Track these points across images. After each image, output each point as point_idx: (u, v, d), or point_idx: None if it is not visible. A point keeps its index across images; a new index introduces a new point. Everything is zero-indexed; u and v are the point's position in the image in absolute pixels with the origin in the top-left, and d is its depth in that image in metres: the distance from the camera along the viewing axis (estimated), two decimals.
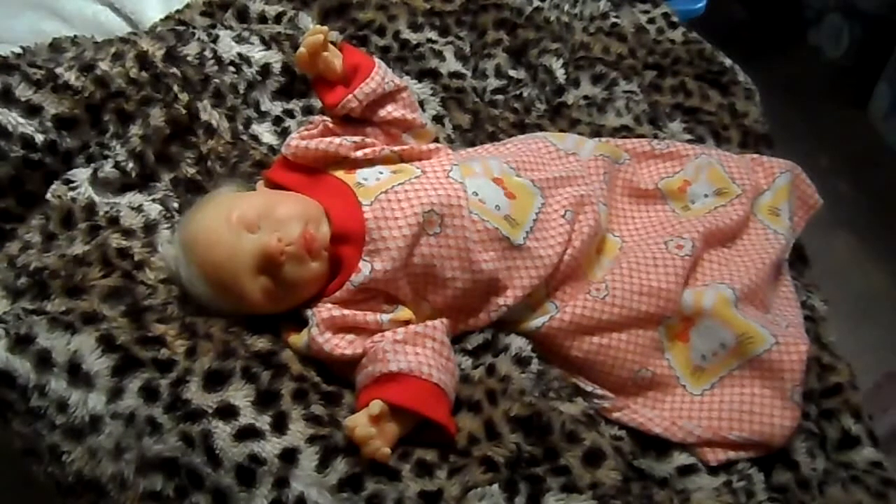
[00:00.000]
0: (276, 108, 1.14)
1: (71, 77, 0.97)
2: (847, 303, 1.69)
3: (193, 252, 0.86)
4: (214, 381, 0.79)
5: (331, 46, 0.97)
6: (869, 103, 2.23)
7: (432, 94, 1.20)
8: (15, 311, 0.83)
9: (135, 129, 0.97)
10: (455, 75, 1.25)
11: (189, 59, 1.07)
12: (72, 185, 0.95)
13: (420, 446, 0.80)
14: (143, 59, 1.02)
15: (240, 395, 0.79)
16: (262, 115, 1.13)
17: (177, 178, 1.00)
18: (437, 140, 1.09)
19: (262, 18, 1.25)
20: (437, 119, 1.17)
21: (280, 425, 0.77)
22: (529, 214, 0.94)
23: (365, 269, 0.87)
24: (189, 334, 0.84)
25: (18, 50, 1.06)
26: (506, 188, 0.95)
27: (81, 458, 0.77)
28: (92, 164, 0.97)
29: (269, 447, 0.76)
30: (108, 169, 0.96)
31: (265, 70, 1.13)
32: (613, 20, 1.40)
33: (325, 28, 0.95)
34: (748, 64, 1.39)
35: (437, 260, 0.89)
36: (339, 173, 0.94)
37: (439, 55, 1.26)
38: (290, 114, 1.14)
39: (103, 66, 0.99)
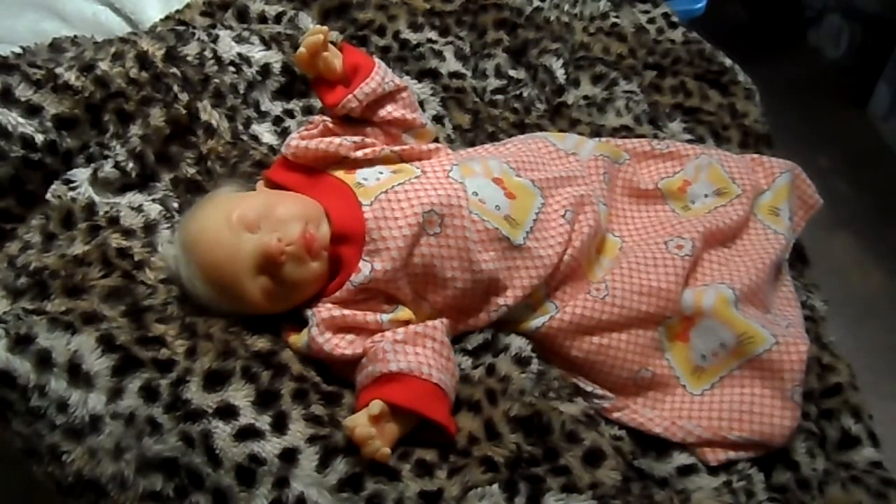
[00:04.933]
0: (276, 108, 1.14)
1: (71, 77, 0.97)
2: (847, 303, 1.69)
3: (193, 252, 0.86)
4: (214, 381, 0.79)
5: (331, 46, 0.97)
6: (869, 103, 2.23)
7: (432, 94, 1.20)
8: (15, 311, 0.83)
9: (135, 129, 0.98)
10: (455, 75, 1.25)
11: (189, 59, 1.07)
12: (72, 185, 0.95)
13: (420, 446, 0.80)
14: (143, 59, 1.02)
15: (240, 395, 0.79)
16: (262, 115, 1.13)
17: (177, 178, 0.99)
18: (437, 140, 1.09)
19: (262, 18, 1.25)
20: (437, 119, 1.17)
21: (280, 425, 0.77)
22: (529, 214, 0.94)
23: (365, 269, 0.87)
24: (189, 334, 0.84)
25: (18, 50, 1.06)
26: (506, 188, 0.95)
27: (81, 458, 0.77)
28: (92, 164, 0.97)
29: (269, 447, 0.76)
30: (108, 169, 0.96)
31: (265, 70, 1.13)
32: (613, 20, 1.40)
33: (325, 28, 0.95)
34: (748, 64, 1.39)
35: (437, 260, 0.89)
36: (339, 173, 0.94)
37: (439, 55, 1.26)
38: (290, 114, 1.14)
39: (103, 66, 0.99)
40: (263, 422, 0.77)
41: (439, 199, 0.89)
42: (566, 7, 1.43)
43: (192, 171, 1.00)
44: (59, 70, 0.97)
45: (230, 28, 1.16)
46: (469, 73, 1.28)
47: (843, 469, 0.91)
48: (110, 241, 0.90)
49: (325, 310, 0.86)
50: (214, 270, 0.85)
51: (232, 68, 1.11)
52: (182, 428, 0.76)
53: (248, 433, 0.76)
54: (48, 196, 0.94)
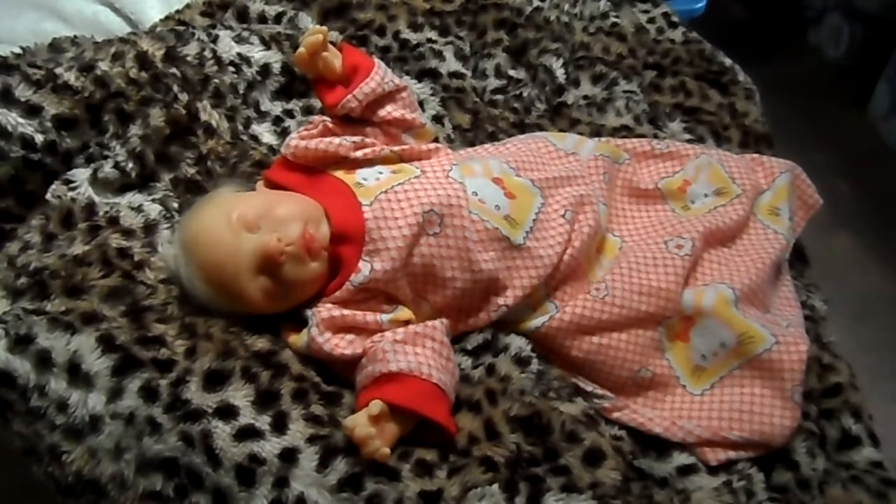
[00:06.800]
0: (276, 108, 1.14)
1: (71, 77, 0.97)
2: (847, 303, 1.69)
3: (193, 252, 0.86)
4: (214, 381, 0.79)
5: (330, 46, 0.97)
6: (869, 103, 2.23)
7: (432, 94, 1.20)
8: (15, 311, 0.83)
9: (135, 129, 0.98)
10: (455, 75, 1.25)
11: (189, 59, 1.07)
12: (72, 185, 0.95)
13: (420, 446, 0.80)
14: (143, 59, 1.02)
15: (240, 395, 0.79)
16: (262, 115, 1.13)
17: (177, 178, 0.99)
18: (436, 140, 1.09)
19: (262, 18, 1.25)
20: (437, 119, 1.17)
21: (280, 425, 0.77)
22: (529, 214, 0.94)
23: (364, 269, 0.87)
24: (189, 334, 0.84)
25: (18, 50, 1.06)
26: (505, 188, 0.95)
27: (81, 458, 0.77)
28: (92, 164, 0.97)
29: (269, 447, 0.76)
30: (107, 169, 0.96)
31: (265, 70, 1.13)
32: (613, 20, 1.40)
33: (325, 28, 0.95)
34: (748, 64, 1.39)
35: (436, 260, 0.89)
36: (339, 173, 0.95)
37: (439, 55, 1.26)
38: (290, 114, 1.14)
39: (103, 66, 0.99)
40: (263, 422, 0.77)
41: (439, 199, 0.89)
42: (566, 7, 1.43)
43: (192, 171, 1.00)
44: (58, 70, 0.97)
45: (230, 28, 1.16)
46: (469, 73, 1.28)
47: (843, 469, 0.91)
48: (110, 241, 0.90)
49: (324, 310, 0.86)
50: (214, 270, 0.85)
51: (232, 68, 1.11)
52: (182, 428, 0.76)
53: (247, 433, 0.76)
54: (48, 196, 0.94)
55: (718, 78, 1.33)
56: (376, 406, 0.77)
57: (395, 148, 0.99)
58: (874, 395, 1.03)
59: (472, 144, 1.15)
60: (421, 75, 1.24)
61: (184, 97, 1.02)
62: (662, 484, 0.87)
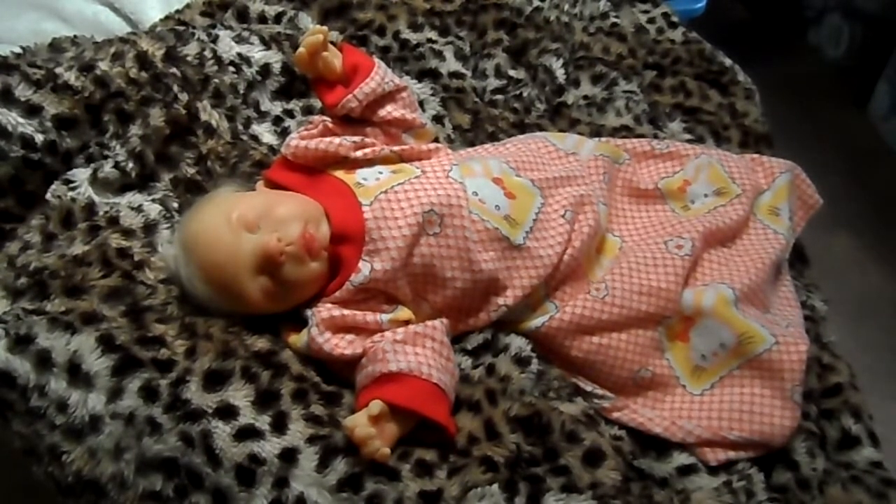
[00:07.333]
0: (276, 108, 1.14)
1: (71, 77, 0.97)
2: (847, 303, 1.69)
3: (193, 252, 0.86)
4: (214, 381, 0.79)
5: (330, 46, 0.97)
6: (869, 103, 2.23)
7: (432, 94, 1.20)
8: (15, 311, 0.83)
9: (135, 129, 0.98)
10: (455, 75, 1.25)
11: (189, 59, 1.07)
12: (72, 185, 0.95)
13: (420, 446, 0.80)
14: (143, 59, 1.02)
15: (240, 395, 0.79)
16: (262, 115, 1.13)
17: (177, 178, 0.99)
18: (436, 140, 1.09)
19: (262, 18, 1.25)
20: (437, 119, 1.17)
21: (280, 425, 0.77)
22: (529, 214, 0.94)
23: (364, 269, 0.87)
24: (189, 334, 0.84)
25: (18, 50, 1.06)
26: (505, 188, 0.95)
27: (81, 458, 0.77)
28: (92, 164, 0.97)
29: (269, 447, 0.76)
30: (107, 169, 0.96)
31: (265, 70, 1.13)
32: (613, 20, 1.41)
33: (325, 28, 0.96)
34: (748, 64, 1.39)
35: (436, 260, 0.89)
36: (339, 173, 0.95)
37: (439, 55, 1.26)
38: (290, 114, 1.14)
39: (103, 66, 0.99)
40: (263, 422, 0.77)
41: (439, 199, 0.89)
42: (566, 7, 1.43)
43: (192, 171, 1.00)
44: (59, 70, 0.97)
45: (230, 28, 1.16)
46: (469, 73, 1.28)
47: (843, 469, 0.91)
48: (110, 241, 0.90)
49: (324, 310, 0.86)
50: (214, 270, 0.85)
51: (232, 68, 1.11)
52: (182, 428, 0.76)
53: (247, 433, 0.76)
54: (48, 196, 0.94)
55: (718, 78, 1.33)
56: (376, 406, 0.77)
57: (396, 148, 0.99)
58: (874, 395, 1.03)
59: (472, 144, 1.15)
60: (421, 75, 1.24)
61: (184, 97, 1.02)
62: (662, 484, 0.87)
